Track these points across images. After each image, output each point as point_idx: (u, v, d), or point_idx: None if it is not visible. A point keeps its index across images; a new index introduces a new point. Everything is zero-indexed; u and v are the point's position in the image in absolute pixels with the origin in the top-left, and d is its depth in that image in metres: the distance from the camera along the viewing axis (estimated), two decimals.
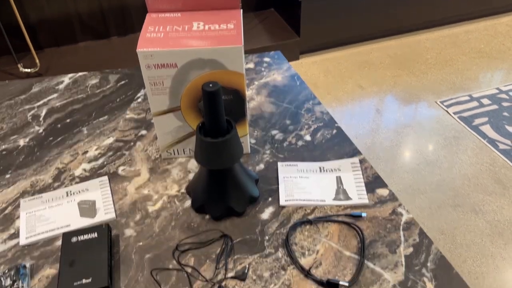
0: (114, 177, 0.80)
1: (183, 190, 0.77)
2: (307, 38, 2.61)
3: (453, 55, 2.67)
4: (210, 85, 0.63)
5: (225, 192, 0.70)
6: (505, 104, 2.29)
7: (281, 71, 1.05)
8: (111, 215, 0.73)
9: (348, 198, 0.74)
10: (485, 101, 2.31)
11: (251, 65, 1.07)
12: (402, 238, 0.68)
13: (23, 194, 0.78)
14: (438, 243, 1.68)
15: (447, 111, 2.26)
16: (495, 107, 2.27)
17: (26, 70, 2.34)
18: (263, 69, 1.06)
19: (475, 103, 2.30)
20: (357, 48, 2.76)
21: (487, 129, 2.15)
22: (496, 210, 1.79)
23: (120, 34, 2.65)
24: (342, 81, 2.50)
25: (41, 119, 0.94)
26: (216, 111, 0.64)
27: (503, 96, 2.34)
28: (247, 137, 0.81)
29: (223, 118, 0.66)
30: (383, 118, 2.25)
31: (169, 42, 0.70)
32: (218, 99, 0.63)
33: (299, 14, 2.49)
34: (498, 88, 2.39)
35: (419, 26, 2.88)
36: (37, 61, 2.32)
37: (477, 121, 2.20)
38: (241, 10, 0.78)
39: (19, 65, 2.31)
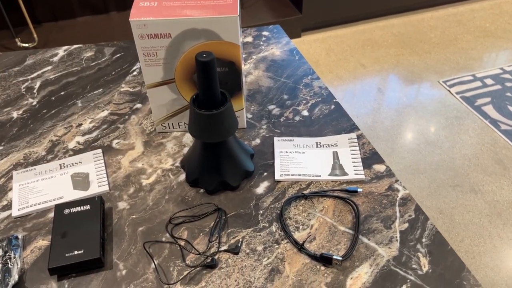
0: (108, 150, 0.79)
1: (177, 164, 0.77)
2: (309, 15, 2.56)
3: (457, 34, 2.62)
4: (204, 55, 0.61)
5: (219, 165, 0.69)
6: (508, 84, 2.26)
7: (280, 45, 1.03)
8: (105, 188, 0.73)
9: (344, 173, 0.73)
10: (489, 81, 2.29)
11: (249, 39, 1.05)
12: (398, 214, 0.67)
13: (16, 166, 0.77)
14: (436, 222, 1.68)
15: (449, 91, 2.24)
16: (498, 87, 2.25)
17: (24, 44, 2.31)
18: (261, 43, 1.04)
19: (478, 83, 2.27)
20: (360, 26, 2.72)
21: (489, 110, 2.13)
22: (495, 191, 1.78)
23: (120, 9, 2.61)
24: (344, 60, 2.47)
25: (35, 91, 0.93)
26: (210, 82, 0.63)
27: (507, 76, 2.31)
28: (243, 111, 0.80)
29: (217, 90, 0.64)
30: (385, 97, 2.23)
31: (162, 12, 0.68)
32: (212, 70, 0.62)
33: None
34: (502, 68, 2.36)
35: (423, 4, 2.82)
36: (35, 35, 2.29)
37: (479, 101, 2.17)
38: None
39: (17, 40, 2.29)
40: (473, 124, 2.07)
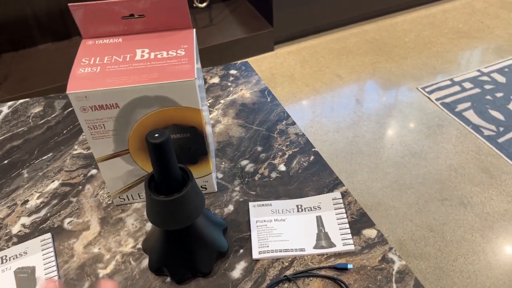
0: (59, 233, 0.69)
1: (139, 246, 0.66)
2: (281, 27, 2.48)
3: (431, 37, 2.58)
4: (156, 134, 0.51)
5: (186, 252, 0.60)
6: (487, 86, 2.22)
7: (250, 85, 0.94)
8: None
9: (331, 244, 0.64)
10: (467, 84, 2.24)
11: (215, 80, 0.96)
12: None
13: None
14: (428, 241, 1.61)
15: (429, 98, 2.18)
16: (477, 90, 2.20)
17: None
18: (229, 83, 0.94)
19: (457, 88, 2.22)
20: (334, 35, 2.65)
21: (470, 115, 2.08)
22: (484, 202, 1.73)
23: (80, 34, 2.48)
24: (319, 71, 2.39)
25: None
26: (166, 164, 0.53)
27: (485, 78, 2.26)
28: (211, 175, 0.70)
29: (175, 170, 0.55)
30: (364, 109, 2.16)
31: (106, 79, 0.58)
32: (166, 151, 0.52)
33: (271, 2, 2.35)
34: (480, 70, 2.31)
35: (395, 8, 2.77)
36: None
37: (460, 107, 2.12)
38: (194, 30, 0.66)
39: None
40: (456, 131, 2.02)
